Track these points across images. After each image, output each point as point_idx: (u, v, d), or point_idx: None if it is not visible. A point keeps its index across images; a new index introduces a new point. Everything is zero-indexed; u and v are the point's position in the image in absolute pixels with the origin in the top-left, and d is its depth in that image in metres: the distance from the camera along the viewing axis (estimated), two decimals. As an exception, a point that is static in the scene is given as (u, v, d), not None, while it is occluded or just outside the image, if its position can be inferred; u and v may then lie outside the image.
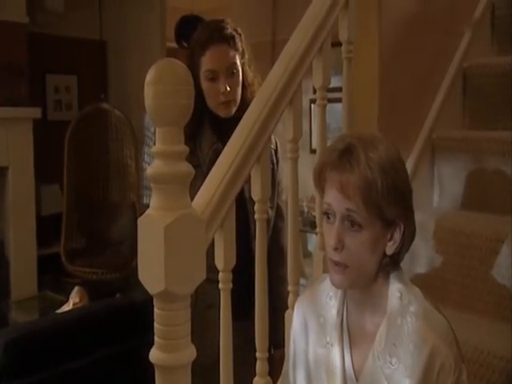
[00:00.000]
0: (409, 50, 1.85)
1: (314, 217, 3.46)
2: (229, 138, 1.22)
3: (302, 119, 1.34)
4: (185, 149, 0.89)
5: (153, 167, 0.89)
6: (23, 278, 3.22)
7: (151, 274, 0.88)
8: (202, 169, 1.38)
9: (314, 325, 0.98)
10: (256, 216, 1.20)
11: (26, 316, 2.92)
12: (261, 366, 1.20)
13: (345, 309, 0.96)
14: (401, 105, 1.83)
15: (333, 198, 0.87)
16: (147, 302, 1.02)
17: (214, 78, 1.44)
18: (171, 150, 0.88)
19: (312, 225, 3.56)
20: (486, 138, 1.85)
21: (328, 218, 0.89)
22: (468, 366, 0.94)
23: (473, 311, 1.59)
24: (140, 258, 0.90)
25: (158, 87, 0.85)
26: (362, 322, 0.94)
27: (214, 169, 1.12)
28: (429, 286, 1.64)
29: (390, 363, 0.87)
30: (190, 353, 0.89)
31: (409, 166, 1.84)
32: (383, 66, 1.75)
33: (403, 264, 0.96)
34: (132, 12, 3.94)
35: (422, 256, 1.69)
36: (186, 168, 0.89)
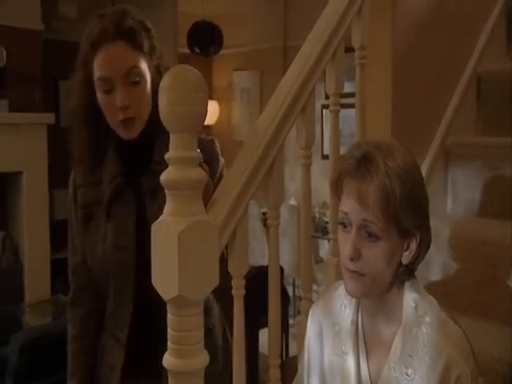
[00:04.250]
0: (422, 55, 1.84)
1: (326, 223, 3.47)
2: (136, 166, 1.10)
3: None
4: (198, 155, 0.90)
5: (166, 173, 0.89)
6: (37, 282, 3.25)
7: (165, 279, 0.88)
8: (103, 206, 1.14)
9: (329, 333, 0.97)
10: (268, 222, 1.20)
11: (40, 319, 2.94)
12: (273, 372, 1.20)
13: (359, 317, 0.95)
14: (414, 111, 1.82)
15: (350, 207, 0.86)
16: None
17: (109, 88, 1.08)
18: (184, 156, 0.88)
19: (323, 231, 3.55)
20: (501, 144, 1.83)
21: (344, 226, 0.88)
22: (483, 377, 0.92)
23: (488, 319, 1.56)
24: (153, 264, 0.91)
25: (172, 94, 0.86)
26: (376, 330, 0.93)
27: (227, 175, 1.12)
28: (443, 293, 1.62)
29: (406, 374, 0.86)
30: (203, 358, 0.89)
31: (423, 172, 1.81)
32: (396, 72, 1.74)
33: (417, 271, 0.95)
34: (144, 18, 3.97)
35: (436, 263, 1.67)
36: (199, 174, 0.90)
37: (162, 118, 0.90)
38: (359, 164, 0.86)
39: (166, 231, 0.87)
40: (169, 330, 0.89)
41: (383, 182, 0.83)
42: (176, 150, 0.88)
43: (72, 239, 1.22)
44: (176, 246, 0.85)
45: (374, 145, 0.89)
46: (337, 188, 0.91)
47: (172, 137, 0.90)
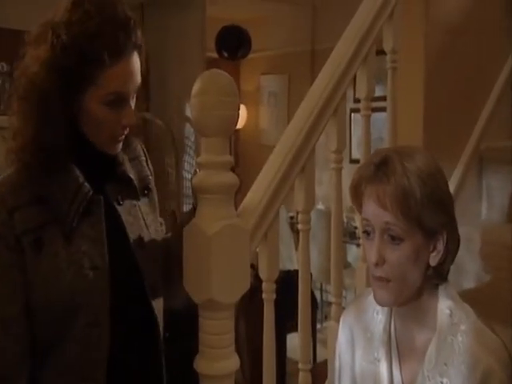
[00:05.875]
0: (456, 58, 1.81)
1: (355, 227, 3.43)
2: (98, 173, 0.94)
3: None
4: (230, 159, 0.90)
5: (198, 177, 0.90)
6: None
7: (196, 282, 0.89)
8: (60, 225, 0.90)
9: (360, 340, 0.97)
10: (299, 227, 1.20)
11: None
12: (303, 377, 1.20)
13: (392, 324, 0.94)
14: (447, 115, 1.78)
15: (371, 212, 0.86)
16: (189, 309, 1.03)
17: (117, 103, 0.92)
18: (216, 161, 0.89)
19: (352, 235, 3.51)
20: (537, 149, 1.78)
21: (368, 234, 0.88)
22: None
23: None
24: (185, 267, 0.91)
25: (203, 98, 0.87)
26: (410, 337, 0.91)
27: (258, 179, 1.12)
28: (476, 301, 1.58)
29: (441, 383, 0.84)
30: (234, 362, 0.89)
31: (455, 177, 1.79)
32: (429, 76, 1.72)
33: (450, 278, 0.93)
34: (172, 22, 4.02)
35: (470, 270, 1.64)
36: (231, 178, 0.90)
37: (193, 123, 0.91)
38: (377, 169, 0.86)
39: (199, 234, 0.88)
40: (200, 333, 0.90)
41: (400, 182, 0.83)
42: (208, 154, 0.89)
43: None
44: (208, 249, 0.86)
45: (393, 150, 0.89)
46: (356, 195, 0.90)
47: (204, 141, 0.90)
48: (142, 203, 1.01)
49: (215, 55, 4.61)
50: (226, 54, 4.64)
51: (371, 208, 0.86)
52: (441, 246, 0.86)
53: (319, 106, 1.21)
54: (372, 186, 0.86)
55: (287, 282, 1.51)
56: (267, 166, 1.14)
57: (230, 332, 0.90)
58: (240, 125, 5.19)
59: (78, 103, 0.90)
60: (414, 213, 0.82)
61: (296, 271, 1.27)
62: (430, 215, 0.83)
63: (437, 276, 0.89)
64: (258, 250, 1.10)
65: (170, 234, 1.06)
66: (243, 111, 5.17)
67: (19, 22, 3.10)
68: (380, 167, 0.85)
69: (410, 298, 0.88)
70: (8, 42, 3.01)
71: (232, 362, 0.89)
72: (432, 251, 0.87)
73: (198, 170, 0.93)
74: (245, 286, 0.90)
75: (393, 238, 0.84)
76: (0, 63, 3.10)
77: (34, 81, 0.88)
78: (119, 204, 0.97)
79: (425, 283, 0.88)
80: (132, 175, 1.01)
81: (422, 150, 0.89)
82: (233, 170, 0.92)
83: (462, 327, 0.86)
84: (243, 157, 5.20)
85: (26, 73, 0.89)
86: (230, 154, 0.92)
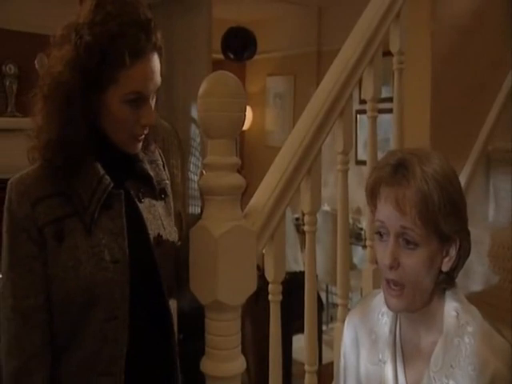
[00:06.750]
0: (463, 58, 1.80)
1: (360, 229, 3.42)
2: (119, 170, 0.96)
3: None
4: (236, 160, 0.91)
5: (204, 179, 0.90)
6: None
7: (203, 283, 0.89)
8: (81, 218, 0.91)
9: (365, 341, 0.96)
10: (306, 228, 1.20)
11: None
12: (309, 378, 1.19)
13: (397, 326, 0.94)
14: (454, 116, 1.78)
15: (387, 215, 0.85)
16: (194, 311, 1.03)
17: (137, 102, 0.93)
18: (222, 162, 0.89)
19: (357, 237, 3.50)
20: (545, 150, 1.77)
21: (381, 236, 0.87)
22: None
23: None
24: (191, 268, 0.92)
25: (210, 100, 0.87)
26: (415, 339, 0.91)
27: (264, 181, 1.12)
28: (484, 304, 1.57)
29: None
30: (240, 363, 0.89)
31: (462, 179, 1.78)
32: (436, 77, 1.71)
33: (457, 280, 0.93)
34: (179, 24, 4.03)
35: (477, 273, 1.63)
36: (238, 179, 0.90)
37: (200, 124, 0.91)
38: (395, 171, 0.85)
39: (205, 236, 0.88)
40: (206, 334, 0.90)
41: (421, 186, 0.82)
42: (215, 155, 0.89)
43: (20, 278, 0.90)
44: (215, 250, 0.86)
45: (409, 151, 0.88)
46: (372, 197, 0.89)
47: (210, 142, 0.90)
48: (159, 205, 1.02)
49: (221, 56, 4.62)
50: (231, 56, 4.65)
51: (388, 211, 0.85)
52: (454, 251, 0.86)
53: (325, 107, 1.21)
54: (391, 188, 0.85)
55: (293, 284, 1.51)
56: (273, 167, 1.14)
57: (237, 333, 0.90)
58: (246, 126, 5.19)
59: (100, 102, 0.92)
60: (432, 218, 0.82)
61: (302, 273, 1.27)
62: (446, 221, 0.83)
63: (447, 281, 0.88)
64: (264, 251, 1.10)
65: (179, 243, 1.06)
66: (249, 113, 5.18)
67: (27, 25, 3.13)
68: (398, 169, 0.85)
69: (421, 304, 0.87)
70: (15, 44, 3.04)
71: (238, 364, 0.89)
72: (445, 257, 0.86)
73: (204, 172, 0.93)
74: (251, 287, 0.90)
75: (408, 242, 0.84)
76: (7, 65, 3.12)
77: (59, 80, 0.90)
78: (140, 201, 0.98)
79: (435, 288, 0.88)
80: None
81: (436, 152, 0.89)
82: (239, 171, 0.92)
83: (469, 329, 0.85)
84: (249, 158, 5.19)
85: (50, 72, 0.92)
86: (236, 155, 0.92)
